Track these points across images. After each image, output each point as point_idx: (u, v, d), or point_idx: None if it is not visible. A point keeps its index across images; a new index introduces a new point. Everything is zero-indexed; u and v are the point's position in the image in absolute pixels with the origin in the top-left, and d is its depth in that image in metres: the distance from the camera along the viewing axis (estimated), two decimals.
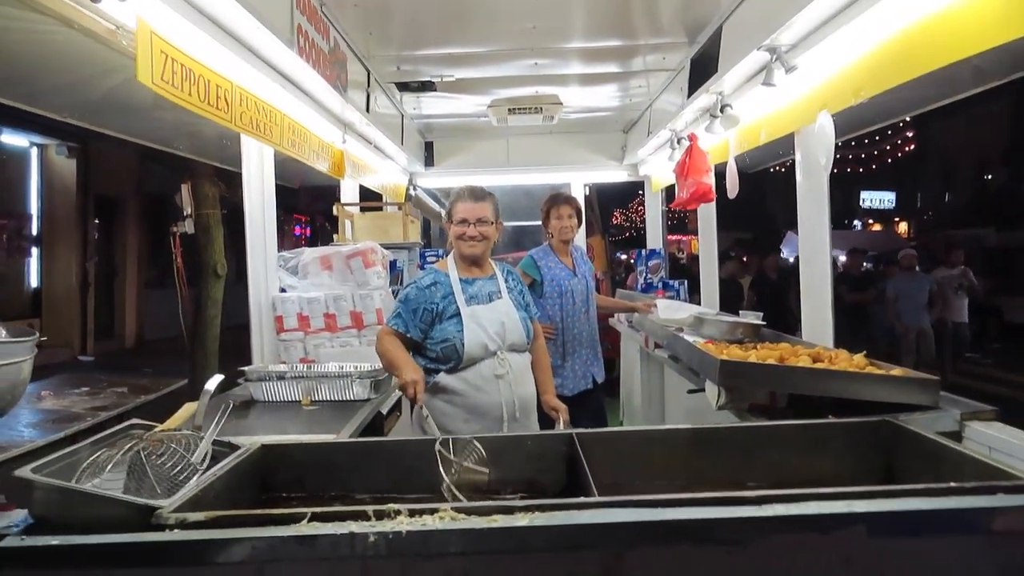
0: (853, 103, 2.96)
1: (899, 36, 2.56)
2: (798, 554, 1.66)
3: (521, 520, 1.64)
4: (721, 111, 3.99)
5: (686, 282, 6.14)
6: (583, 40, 4.36)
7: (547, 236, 4.22)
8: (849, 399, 2.56)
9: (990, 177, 24.83)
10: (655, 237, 7.17)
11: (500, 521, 1.64)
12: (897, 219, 30.93)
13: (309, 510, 1.66)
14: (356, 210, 5.36)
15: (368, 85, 4.51)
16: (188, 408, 2.45)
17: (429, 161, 7.09)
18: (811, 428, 2.41)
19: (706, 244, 5.61)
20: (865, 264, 13.59)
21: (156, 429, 2.25)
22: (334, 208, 5.04)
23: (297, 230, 20.51)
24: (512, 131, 6.70)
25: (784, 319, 7.61)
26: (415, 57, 4.52)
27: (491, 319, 2.74)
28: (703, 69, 4.21)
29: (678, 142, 4.97)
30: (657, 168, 6.57)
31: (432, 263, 6.65)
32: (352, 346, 3.49)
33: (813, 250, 3.67)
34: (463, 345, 2.69)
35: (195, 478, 1.93)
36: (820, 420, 2.43)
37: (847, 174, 24.84)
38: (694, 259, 13.27)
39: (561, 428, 2.76)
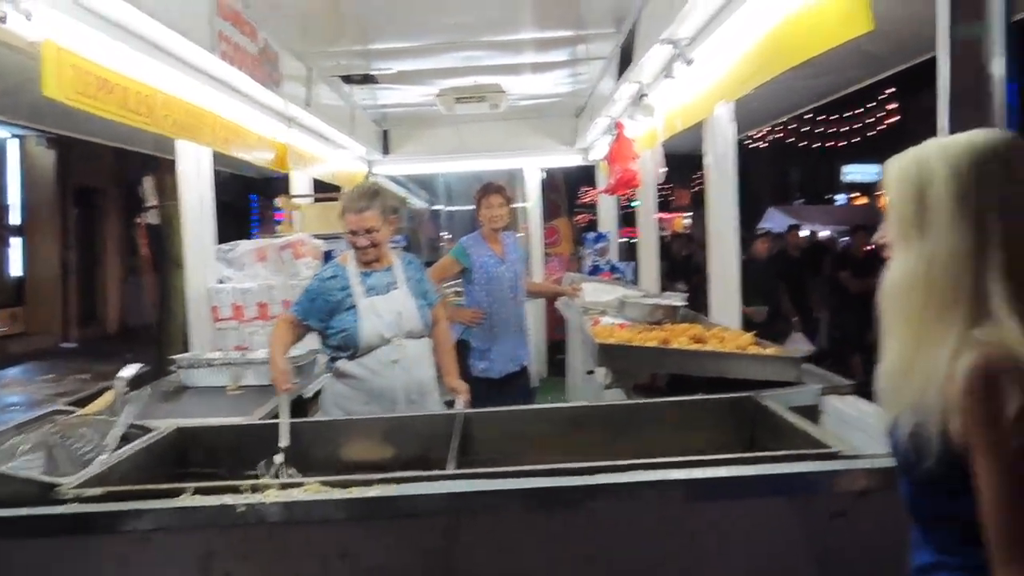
0: (742, 94, 3.15)
1: (770, 34, 2.75)
2: (619, 517, 1.89)
3: (373, 491, 1.85)
4: (639, 100, 4.17)
5: (633, 263, 6.35)
6: (517, 32, 4.52)
7: (478, 224, 4.40)
8: (733, 378, 2.76)
9: None
10: (607, 220, 7.36)
11: (355, 492, 1.85)
12: (879, 192, 31.07)
13: (193, 485, 1.87)
14: (308, 201, 5.52)
15: (309, 80, 4.67)
16: (108, 395, 2.66)
17: (386, 149, 7.25)
18: (683, 405, 2.63)
19: (646, 228, 5.80)
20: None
21: (74, 414, 2.46)
22: (277, 201, 5.21)
23: (278, 215, 20.58)
24: (464, 118, 6.84)
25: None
26: (353, 52, 4.68)
27: (388, 308, 2.93)
28: (627, 59, 4.38)
29: (612, 129, 5.15)
30: (604, 152, 6.75)
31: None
32: None
33: (721, 234, 3.86)
34: (359, 334, 2.88)
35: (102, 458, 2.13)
36: (691, 397, 2.64)
37: (828, 148, 24.87)
38: (676, 237, 13.36)
39: (461, 407, 2.95)
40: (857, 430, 2.37)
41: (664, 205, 30.90)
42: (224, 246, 3.98)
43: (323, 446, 2.51)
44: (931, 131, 1.74)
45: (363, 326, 2.90)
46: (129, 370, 2.37)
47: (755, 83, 2.91)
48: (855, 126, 22.37)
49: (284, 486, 1.87)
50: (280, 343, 2.86)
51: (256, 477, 2.18)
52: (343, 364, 2.95)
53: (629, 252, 7.86)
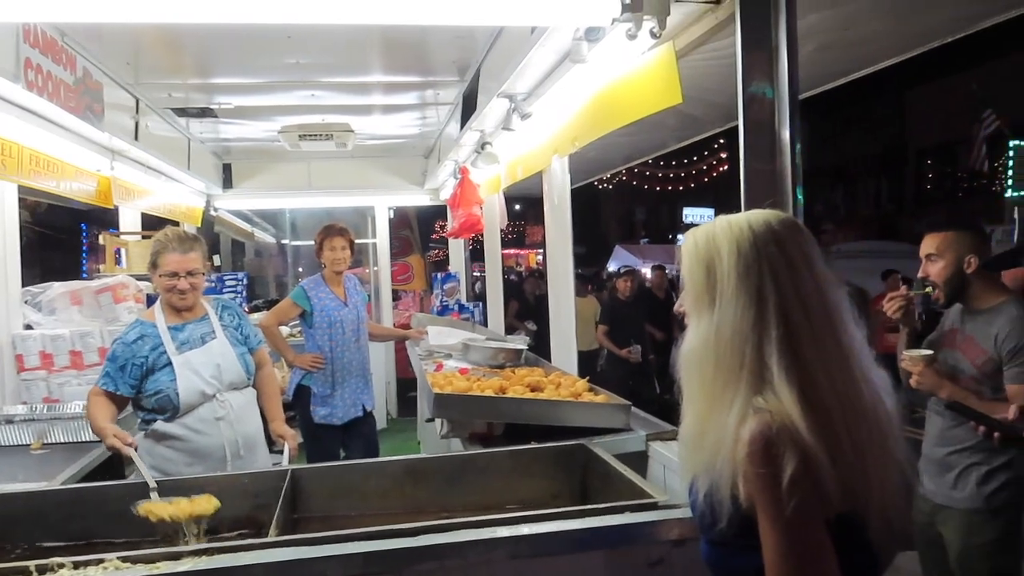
0: (572, 151, 3.28)
1: (596, 98, 2.90)
2: None
3: (184, 565, 1.73)
4: (482, 148, 4.25)
5: (481, 304, 6.41)
6: (363, 75, 4.49)
7: (320, 266, 4.30)
8: (570, 426, 2.81)
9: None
10: (456, 260, 7.41)
11: (163, 567, 1.72)
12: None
13: None
14: (136, 238, 5.18)
15: (137, 111, 4.41)
16: None
17: (228, 183, 6.96)
18: (516, 454, 2.66)
19: (492, 271, 5.89)
20: None
21: None
22: (100, 237, 4.86)
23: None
24: (313, 155, 6.70)
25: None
26: (190, 85, 4.47)
27: (205, 362, 2.75)
28: (469, 107, 4.46)
29: (457, 173, 5.22)
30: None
31: (231, 286, 6.58)
32: None
33: (560, 279, 3.98)
34: (177, 394, 2.69)
35: None
36: (524, 446, 2.68)
37: (670, 191, 26.48)
38: (530, 274, 13.59)
39: (286, 456, 2.81)
40: (680, 476, 2.49)
41: (519, 240, 31.63)
42: (33, 288, 3.64)
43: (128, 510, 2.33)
44: None
45: (181, 385, 2.69)
46: None
47: (585, 141, 3.04)
48: (693, 172, 24.03)
49: (77, 565, 1.70)
50: (101, 413, 2.61)
51: (57, 552, 1.98)
52: (161, 426, 2.71)
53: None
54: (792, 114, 1.97)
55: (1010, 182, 14.45)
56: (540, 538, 1.89)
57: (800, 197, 2.00)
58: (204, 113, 4.96)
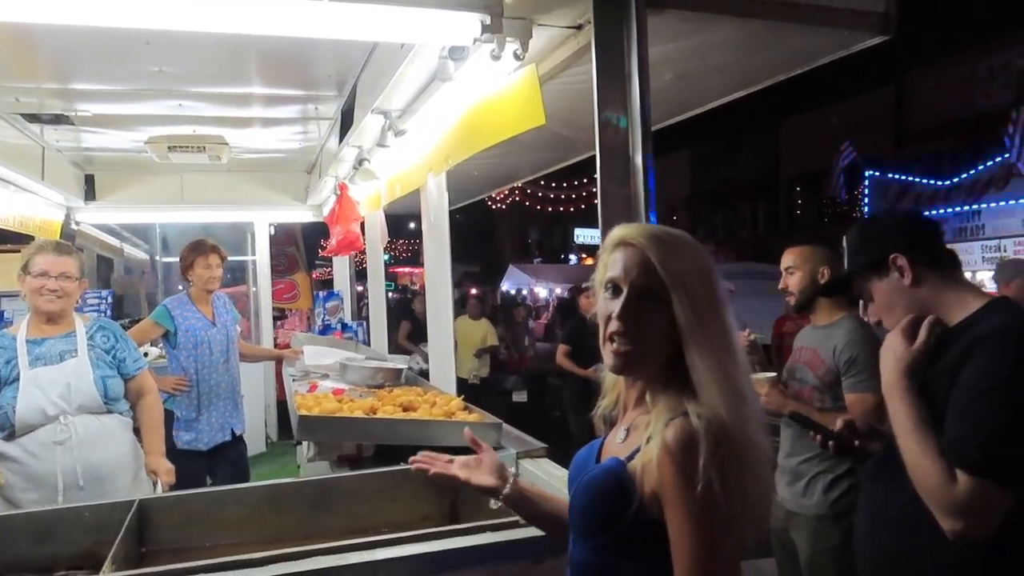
0: (447, 168, 3.27)
1: (465, 118, 2.90)
2: None
3: None
4: (360, 165, 4.18)
5: (365, 323, 6.28)
6: (237, 86, 4.32)
7: (188, 284, 4.09)
8: (439, 445, 2.78)
9: (675, 218, 28.54)
10: (341, 278, 7.26)
11: None
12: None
13: None
14: None
15: None
16: None
17: (90, 195, 6.54)
18: (384, 476, 2.60)
19: (375, 290, 5.80)
20: None
21: None
22: None
23: None
24: (185, 168, 6.40)
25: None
26: (39, 90, 4.18)
27: (54, 380, 2.61)
28: (347, 122, 4.38)
29: (337, 190, 5.11)
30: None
31: (94, 305, 6.18)
32: None
33: (438, 297, 3.96)
34: (14, 411, 2.56)
35: None
36: (392, 468, 2.62)
37: (562, 212, 27.05)
38: (422, 292, 13.39)
39: (159, 491, 2.69)
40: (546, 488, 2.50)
41: (415, 258, 31.33)
42: None
43: None
44: None
45: (20, 402, 2.56)
46: None
47: (457, 159, 3.04)
48: (583, 194, 24.62)
49: None
50: None
51: None
52: (0, 445, 2.57)
53: None
54: (644, 140, 2.03)
55: (867, 208, 15.61)
56: (396, 562, 1.84)
57: (653, 220, 2.06)
58: (59, 120, 4.64)
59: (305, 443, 2.83)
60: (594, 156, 2.13)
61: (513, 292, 22.92)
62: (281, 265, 9.12)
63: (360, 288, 9.55)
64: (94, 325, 2.86)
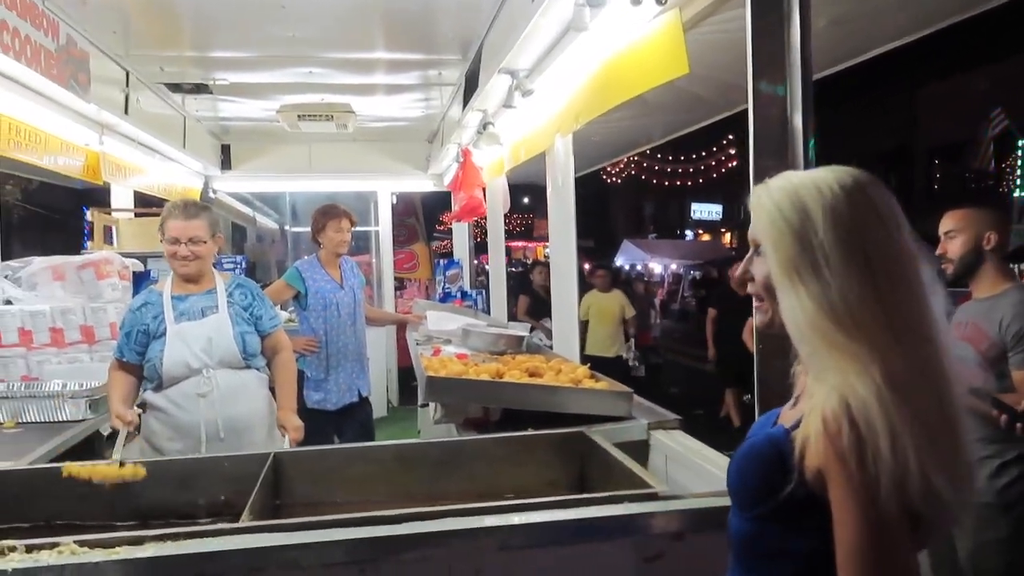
0: (576, 128, 3.15)
1: (599, 72, 2.76)
2: (430, 568, 1.74)
3: (147, 551, 1.61)
4: (484, 129, 4.11)
5: (484, 292, 6.28)
6: (364, 51, 4.35)
7: (317, 248, 4.15)
8: (566, 412, 2.69)
9: None
10: (460, 246, 7.28)
11: (123, 553, 1.60)
12: (723, 229, 33.09)
13: None
14: (128, 216, 5.07)
15: (127, 85, 4.28)
16: None
17: (226, 164, 6.83)
18: (512, 441, 2.53)
19: (495, 257, 5.76)
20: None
21: None
22: (88, 214, 4.74)
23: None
24: (314, 137, 6.59)
25: None
26: (185, 58, 4.34)
27: (197, 335, 2.70)
28: (472, 86, 4.32)
29: (460, 156, 5.08)
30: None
31: (228, 270, 6.48)
32: (82, 362, 3.30)
33: (562, 265, 3.85)
34: (161, 363, 2.66)
35: None
36: (521, 433, 2.55)
37: (678, 187, 26.27)
38: (536, 264, 13.31)
39: (285, 447, 2.74)
40: (681, 466, 2.37)
41: (528, 232, 31.38)
42: (13, 263, 3.53)
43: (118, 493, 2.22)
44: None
45: (166, 355, 2.67)
46: None
47: (588, 117, 2.91)
48: (702, 167, 23.77)
49: (30, 548, 1.58)
50: (116, 390, 2.70)
51: (13, 535, 1.87)
52: (149, 395, 2.73)
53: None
54: (805, 97, 1.80)
55: (1019, 182, 14.26)
56: (530, 528, 1.76)
57: None
58: (199, 89, 4.83)
59: (432, 405, 2.81)
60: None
61: (627, 268, 22.56)
62: (401, 236, 9.27)
63: (475, 261, 9.52)
64: (233, 283, 2.92)
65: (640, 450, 2.55)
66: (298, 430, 2.82)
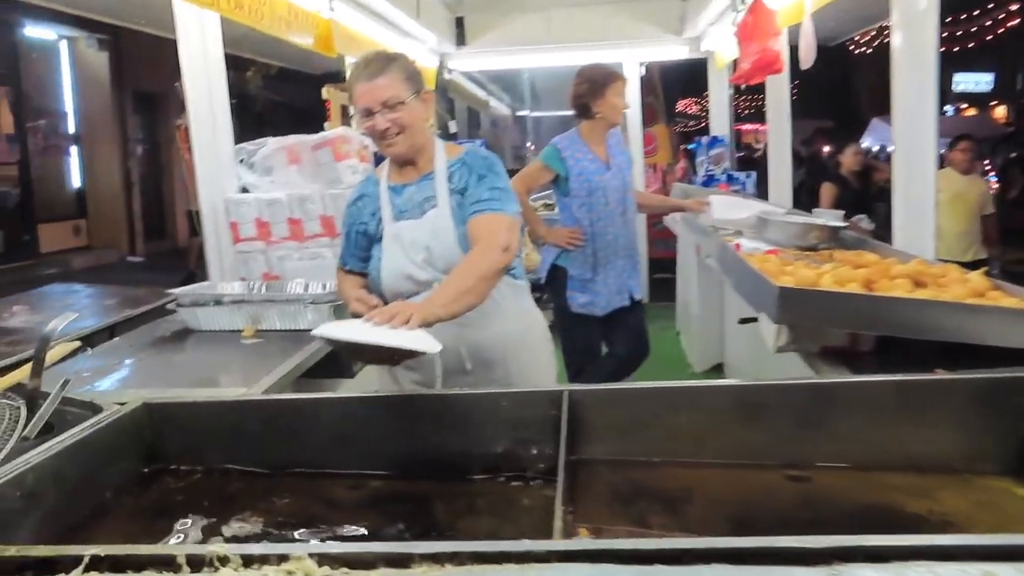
0: None
1: None
2: None
3: None
4: None
5: (754, 174, 5.24)
6: None
7: (594, 114, 3.34)
8: (967, 343, 1.78)
9: None
10: (720, 123, 6.21)
11: None
12: (994, 103, 28.14)
13: (89, 551, 1.03)
14: None
15: None
16: (57, 351, 1.88)
17: (461, 39, 6.25)
18: (904, 386, 1.65)
19: (777, 129, 4.66)
20: None
21: None
22: (323, 91, 4.33)
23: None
24: (554, 3, 5.80)
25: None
26: None
27: (415, 239, 1.95)
28: None
29: (742, 2, 4.00)
30: (721, 41, 5.54)
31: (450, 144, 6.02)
32: (324, 258, 2.84)
33: (913, 133, 2.81)
34: (379, 277, 1.98)
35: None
36: (925, 376, 1.67)
37: (939, 54, 22.44)
38: (850, 145, 11.49)
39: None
40: None
41: (758, 115, 28.66)
42: (247, 145, 3.12)
43: (359, 431, 1.68)
44: None
45: (384, 265, 1.97)
46: (60, 322, 1.55)
47: None
48: (971, 30, 19.97)
49: (248, 562, 1.01)
50: (347, 286, 2.05)
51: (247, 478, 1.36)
52: None
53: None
54: None
55: None
56: None
57: None
58: None
59: (770, 326, 1.99)
60: None
61: (876, 150, 19.78)
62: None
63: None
64: (457, 160, 2.01)
65: None
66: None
